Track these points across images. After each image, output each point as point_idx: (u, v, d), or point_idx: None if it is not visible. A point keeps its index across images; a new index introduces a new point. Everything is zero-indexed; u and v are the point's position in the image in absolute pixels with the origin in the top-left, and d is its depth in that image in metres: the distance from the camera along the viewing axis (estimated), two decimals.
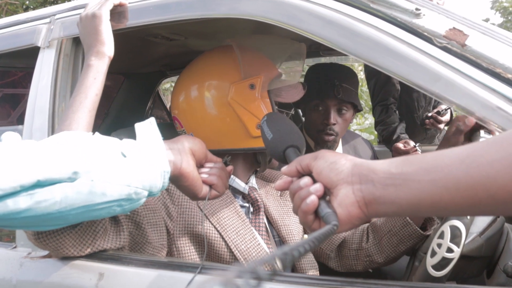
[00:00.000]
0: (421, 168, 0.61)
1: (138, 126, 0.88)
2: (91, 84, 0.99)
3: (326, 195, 0.72)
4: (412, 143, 2.22)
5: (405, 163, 0.64)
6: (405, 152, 2.20)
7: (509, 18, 18.88)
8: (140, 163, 0.80)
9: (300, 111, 2.47)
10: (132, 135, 1.46)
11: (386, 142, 2.42)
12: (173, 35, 1.54)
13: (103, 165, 0.76)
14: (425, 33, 0.78)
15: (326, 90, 1.75)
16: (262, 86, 1.16)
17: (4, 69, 2.15)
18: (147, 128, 0.87)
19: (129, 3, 1.09)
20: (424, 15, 0.80)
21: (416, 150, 2.17)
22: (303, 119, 2.10)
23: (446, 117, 2.47)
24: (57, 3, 9.20)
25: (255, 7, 0.89)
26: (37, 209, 0.71)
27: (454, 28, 0.77)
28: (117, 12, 1.08)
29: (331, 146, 1.80)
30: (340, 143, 1.92)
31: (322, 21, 0.84)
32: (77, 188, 0.73)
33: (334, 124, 1.76)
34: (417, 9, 0.80)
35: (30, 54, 1.27)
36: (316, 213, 0.71)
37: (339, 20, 0.82)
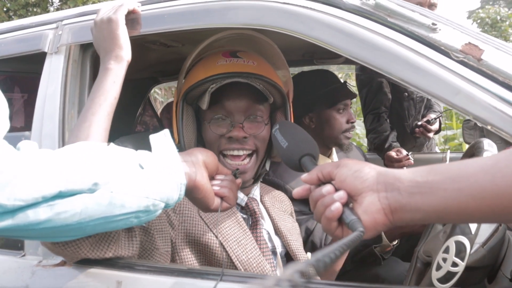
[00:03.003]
0: (447, 177, 0.64)
1: (153, 138, 0.88)
2: (111, 88, 0.99)
3: (348, 202, 0.73)
4: (404, 152, 2.27)
5: (430, 173, 0.66)
6: (398, 161, 2.24)
7: (486, 28, 19.40)
8: (158, 175, 0.80)
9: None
10: (136, 143, 1.45)
11: (378, 150, 2.46)
12: (171, 42, 1.55)
13: (122, 177, 0.77)
14: (442, 47, 0.81)
15: (344, 90, 1.83)
16: (180, 97, 1.21)
17: None
18: (162, 140, 0.88)
19: (142, 10, 1.10)
20: (440, 29, 0.83)
21: (409, 159, 2.22)
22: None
23: (435, 126, 2.53)
24: (39, 7, 9.07)
25: (276, 19, 0.91)
26: (57, 220, 0.71)
27: (469, 43, 0.80)
28: (130, 19, 1.09)
29: (349, 145, 1.87)
30: (333, 150, 1.94)
31: (340, 34, 0.86)
32: (97, 200, 0.73)
33: None
34: (433, 23, 0.83)
35: (19, 59, 1.26)
36: (340, 220, 0.73)
37: (358, 33, 0.85)
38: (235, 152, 1.15)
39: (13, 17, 8.98)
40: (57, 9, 9.61)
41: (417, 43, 0.82)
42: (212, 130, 1.17)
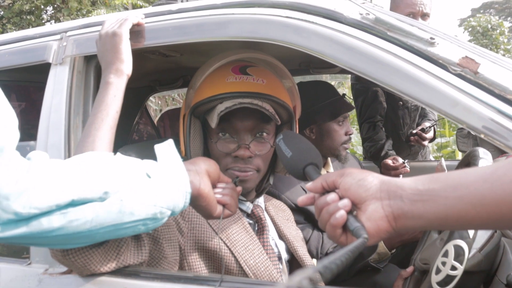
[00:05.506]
0: (448, 185, 0.67)
1: (158, 148, 0.91)
2: (112, 102, 1.01)
3: (352, 210, 0.76)
4: (400, 160, 2.30)
5: (431, 181, 0.69)
6: (394, 168, 2.27)
7: (477, 36, 19.62)
8: (165, 183, 0.83)
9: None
10: (139, 152, 1.46)
11: (374, 159, 2.48)
12: (170, 52, 1.57)
13: (131, 186, 0.79)
14: (440, 61, 0.84)
15: (344, 103, 1.88)
16: (186, 107, 1.24)
17: None
18: (167, 149, 0.91)
19: (146, 23, 1.12)
20: (438, 43, 0.86)
21: (405, 167, 2.25)
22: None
23: (430, 134, 2.57)
24: (32, 14, 9.08)
25: (279, 33, 0.94)
26: (69, 228, 0.74)
27: (466, 56, 0.83)
28: (134, 32, 1.11)
29: (346, 156, 1.92)
30: (329, 160, 1.97)
31: (342, 47, 0.89)
32: (108, 208, 0.76)
33: None
34: (431, 38, 0.86)
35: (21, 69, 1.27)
36: (344, 227, 0.75)
37: (359, 47, 0.88)
38: (238, 172, 1.18)
39: (6, 24, 8.99)
40: (51, 17, 9.63)
41: (416, 56, 0.85)
42: (219, 148, 1.18)
